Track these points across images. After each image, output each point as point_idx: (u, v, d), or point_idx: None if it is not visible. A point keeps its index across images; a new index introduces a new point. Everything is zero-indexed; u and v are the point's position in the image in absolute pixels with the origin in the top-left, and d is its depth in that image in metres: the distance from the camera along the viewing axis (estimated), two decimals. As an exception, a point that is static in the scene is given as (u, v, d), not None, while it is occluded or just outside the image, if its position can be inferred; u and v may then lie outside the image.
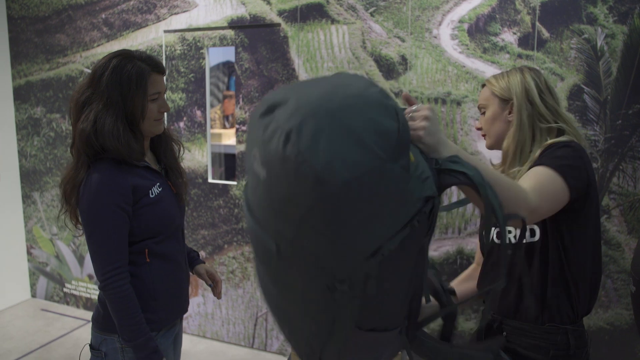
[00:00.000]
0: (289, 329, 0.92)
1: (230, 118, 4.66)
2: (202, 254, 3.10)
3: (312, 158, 0.65)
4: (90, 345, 1.37)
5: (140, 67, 1.32)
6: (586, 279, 1.23)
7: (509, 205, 0.87)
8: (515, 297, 1.26)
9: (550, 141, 1.23)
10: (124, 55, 1.32)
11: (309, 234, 0.71)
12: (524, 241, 1.22)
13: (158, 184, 1.37)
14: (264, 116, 0.72)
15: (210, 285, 1.60)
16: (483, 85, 1.37)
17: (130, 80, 1.30)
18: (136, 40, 3.12)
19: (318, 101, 0.68)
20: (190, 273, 1.59)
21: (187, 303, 1.50)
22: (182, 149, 1.53)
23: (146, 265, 1.34)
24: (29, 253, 3.76)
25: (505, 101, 1.29)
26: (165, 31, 3.01)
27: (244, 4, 2.80)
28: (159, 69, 1.36)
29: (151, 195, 1.33)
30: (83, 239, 3.49)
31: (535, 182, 1.10)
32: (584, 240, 1.22)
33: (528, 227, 1.21)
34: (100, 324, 1.34)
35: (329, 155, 0.65)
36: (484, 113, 1.34)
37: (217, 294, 1.61)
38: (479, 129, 1.36)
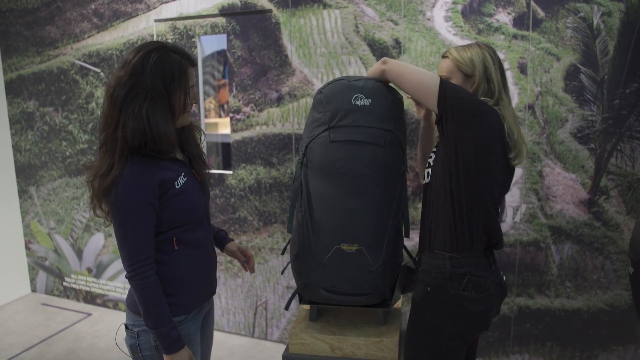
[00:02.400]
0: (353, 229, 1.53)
1: (225, 107, 4.62)
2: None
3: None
4: (125, 325, 1.47)
5: (180, 61, 1.36)
6: (471, 217, 1.39)
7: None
8: (420, 234, 1.53)
9: None
10: (162, 49, 1.35)
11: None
12: (423, 182, 1.52)
13: (183, 173, 1.41)
14: (352, 81, 1.52)
15: (243, 262, 1.69)
16: (443, 57, 1.52)
17: (173, 75, 1.34)
18: (127, 31, 3.07)
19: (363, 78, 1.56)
20: (221, 252, 1.69)
21: (215, 284, 1.58)
22: (203, 135, 1.58)
23: (175, 253, 1.41)
24: (27, 248, 3.75)
25: (468, 76, 1.45)
26: (156, 20, 2.97)
27: (234, -10, 2.76)
28: (192, 62, 1.42)
29: (177, 186, 1.38)
30: (81, 232, 3.49)
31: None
32: (466, 188, 1.38)
33: (426, 171, 1.48)
34: (134, 307, 1.41)
35: None
36: None
37: (250, 268, 1.70)
38: None
